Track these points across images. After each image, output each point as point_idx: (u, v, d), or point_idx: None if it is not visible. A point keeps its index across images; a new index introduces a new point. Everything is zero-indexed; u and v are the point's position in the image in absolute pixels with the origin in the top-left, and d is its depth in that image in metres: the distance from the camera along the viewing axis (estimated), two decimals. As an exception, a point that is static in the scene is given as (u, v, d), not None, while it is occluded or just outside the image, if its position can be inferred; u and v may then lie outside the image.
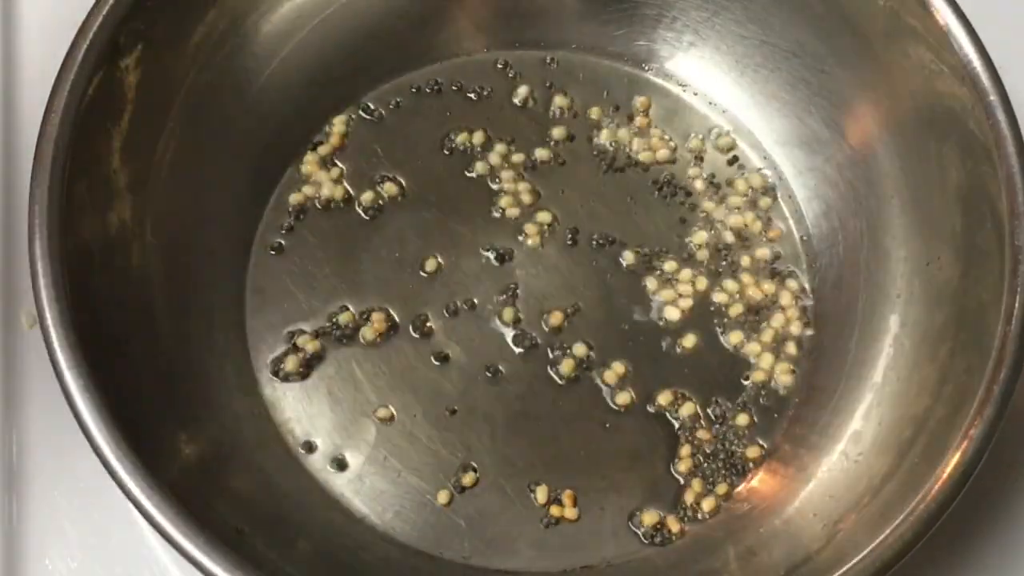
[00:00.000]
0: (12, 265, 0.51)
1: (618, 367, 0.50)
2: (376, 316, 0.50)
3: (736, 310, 0.51)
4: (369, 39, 0.54)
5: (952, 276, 0.46)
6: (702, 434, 0.49)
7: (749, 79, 0.54)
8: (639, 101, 0.55)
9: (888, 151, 0.49)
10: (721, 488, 0.48)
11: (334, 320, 0.50)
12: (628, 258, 0.52)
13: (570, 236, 0.52)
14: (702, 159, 0.54)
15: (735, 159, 0.54)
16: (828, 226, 0.52)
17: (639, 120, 0.54)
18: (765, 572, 0.44)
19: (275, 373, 0.49)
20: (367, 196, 0.52)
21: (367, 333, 0.50)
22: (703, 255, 0.52)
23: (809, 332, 0.51)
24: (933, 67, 0.46)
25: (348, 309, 0.50)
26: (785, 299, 0.51)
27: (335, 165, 0.52)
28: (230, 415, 0.47)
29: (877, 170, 0.50)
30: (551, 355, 0.50)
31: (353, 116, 0.53)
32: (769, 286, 0.52)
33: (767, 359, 0.50)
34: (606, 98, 0.55)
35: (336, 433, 0.48)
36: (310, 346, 0.49)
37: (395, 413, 0.48)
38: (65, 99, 0.43)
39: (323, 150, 0.52)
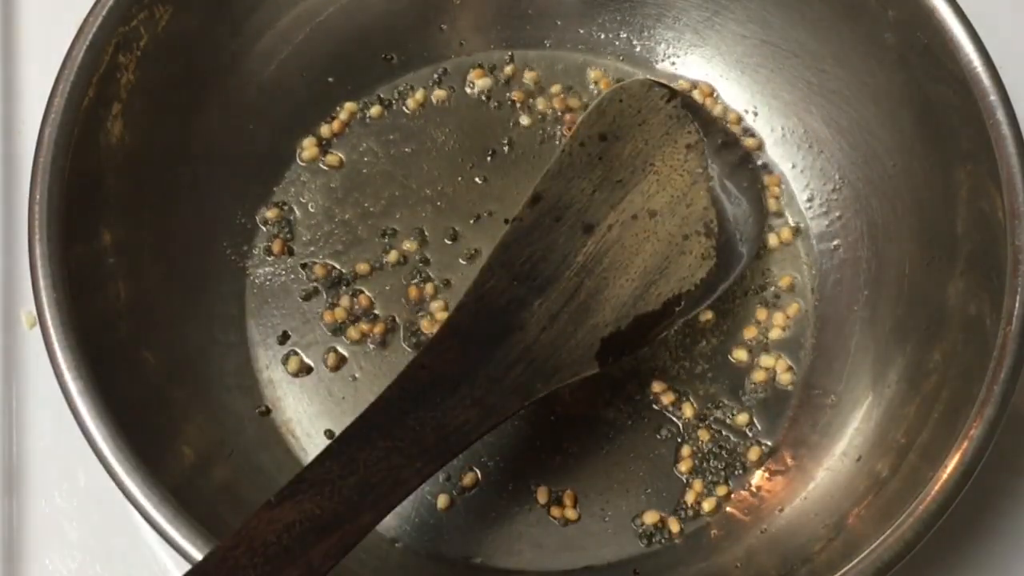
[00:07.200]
0: (12, 265, 0.51)
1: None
2: (377, 316, 0.50)
3: (736, 309, 0.51)
4: (369, 39, 0.54)
5: (952, 276, 0.46)
6: (702, 434, 0.49)
7: (749, 78, 0.54)
8: (639, 101, 0.55)
9: (888, 151, 0.49)
10: (721, 488, 0.48)
11: (334, 320, 0.50)
12: (628, 258, 0.52)
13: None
14: (702, 159, 0.54)
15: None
16: (828, 226, 0.52)
17: (639, 120, 0.54)
18: (766, 572, 0.44)
19: (275, 373, 0.49)
20: (367, 196, 0.52)
21: (367, 333, 0.50)
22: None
23: (809, 332, 0.51)
24: (933, 67, 0.46)
25: (348, 309, 0.50)
26: (785, 299, 0.51)
27: (334, 165, 0.52)
28: (230, 415, 0.47)
29: (877, 170, 0.50)
30: (551, 355, 0.50)
31: (353, 116, 0.53)
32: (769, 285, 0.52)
33: (767, 359, 0.50)
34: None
35: (337, 433, 0.48)
36: (310, 346, 0.49)
37: (395, 413, 0.48)
38: (65, 99, 0.43)
39: (323, 149, 0.52)
